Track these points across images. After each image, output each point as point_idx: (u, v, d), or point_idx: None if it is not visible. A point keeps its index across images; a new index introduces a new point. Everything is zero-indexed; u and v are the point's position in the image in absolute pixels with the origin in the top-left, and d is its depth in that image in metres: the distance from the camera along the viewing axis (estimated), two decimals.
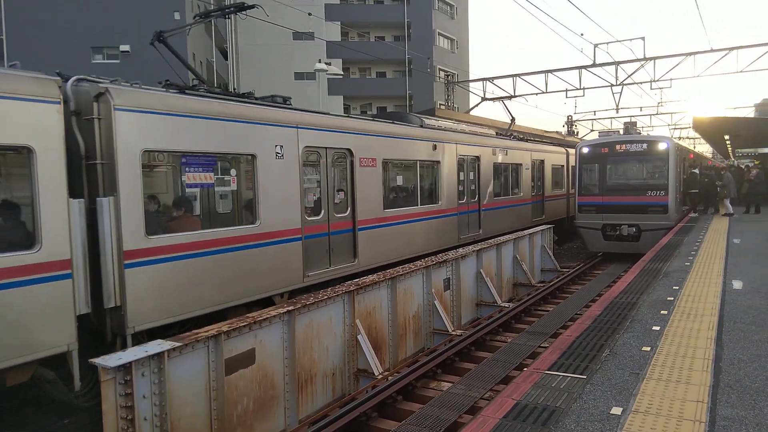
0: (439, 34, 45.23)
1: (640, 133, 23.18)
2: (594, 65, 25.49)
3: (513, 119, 24.68)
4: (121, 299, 6.24)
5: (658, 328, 5.20)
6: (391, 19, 44.24)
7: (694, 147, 44.78)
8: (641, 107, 34.78)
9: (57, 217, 5.71)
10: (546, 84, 27.02)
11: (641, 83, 25.97)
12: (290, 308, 6.70)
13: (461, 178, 14.51)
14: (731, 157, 49.67)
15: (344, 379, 7.68)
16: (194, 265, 7.18)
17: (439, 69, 43.27)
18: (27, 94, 5.50)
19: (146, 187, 6.64)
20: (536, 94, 27.40)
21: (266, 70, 39.01)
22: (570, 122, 48.39)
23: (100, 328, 6.35)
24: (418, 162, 12.75)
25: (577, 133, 46.76)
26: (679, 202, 16.93)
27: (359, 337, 7.73)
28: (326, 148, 9.63)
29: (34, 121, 5.53)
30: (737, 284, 6.98)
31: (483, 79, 29.88)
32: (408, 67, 43.07)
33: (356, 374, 7.76)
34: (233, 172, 8.20)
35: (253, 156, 8.13)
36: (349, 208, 10.27)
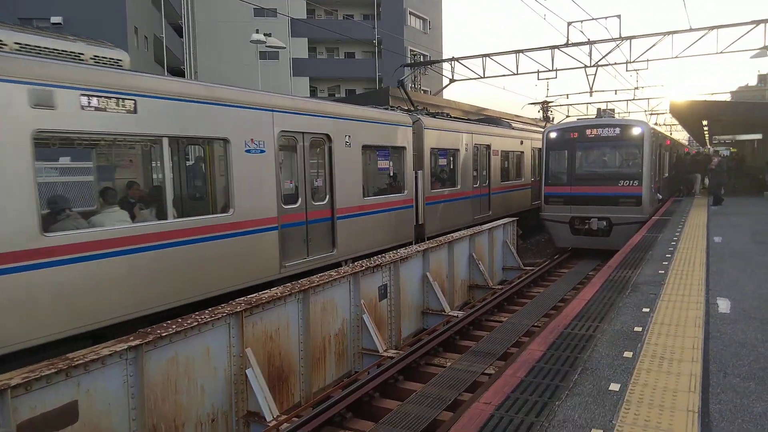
0: (411, 13, 43.27)
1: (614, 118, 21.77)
2: (567, 45, 23.90)
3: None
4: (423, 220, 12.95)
5: (617, 387, 3.61)
6: None
7: (671, 134, 43.73)
8: (616, 90, 33.40)
9: (410, 179, 12.61)
10: (517, 65, 25.40)
11: (616, 64, 24.49)
12: (137, 342, 5.00)
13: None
14: (708, 144, 48.88)
15: (229, 426, 6.02)
16: None
17: (411, 50, 41.42)
18: (406, 123, 12.53)
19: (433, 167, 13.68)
20: (507, 75, 25.78)
21: (226, 49, 36.73)
22: (545, 107, 46.99)
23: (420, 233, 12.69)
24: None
25: (553, 119, 45.38)
26: (654, 192, 15.51)
27: (248, 371, 6.06)
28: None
29: (406, 135, 12.41)
30: (723, 305, 5.50)
31: (451, 60, 28.12)
32: (378, 47, 41.11)
33: (246, 419, 6.10)
34: None
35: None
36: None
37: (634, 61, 23.48)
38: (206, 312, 5.91)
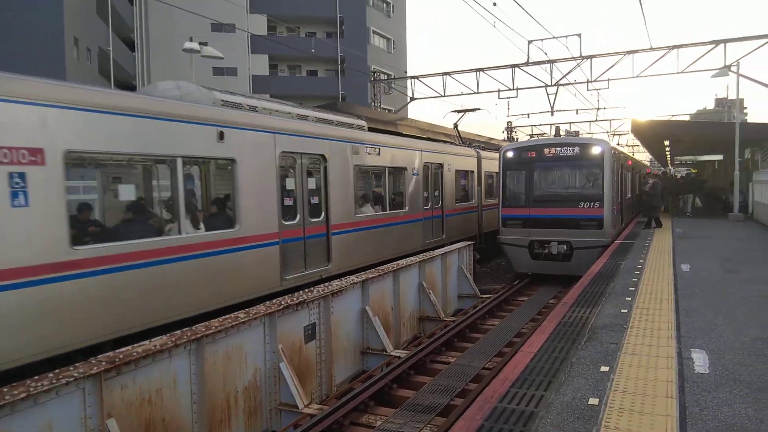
0: (374, 32, 42.64)
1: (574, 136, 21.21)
2: (528, 63, 23.40)
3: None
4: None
5: None
6: (322, 13, 41.33)
7: (633, 154, 43.86)
8: (577, 110, 33.16)
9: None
10: (477, 84, 24.78)
11: (577, 83, 24.08)
12: None
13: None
14: (669, 165, 49.32)
15: None
16: None
17: (374, 69, 40.67)
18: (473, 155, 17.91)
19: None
20: (467, 94, 25.10)
21: (181, 64, 35.26)
22: (510, 128, 46.78)
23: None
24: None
25: (517, 139, 45.11)
26: (616, 214, 14.70)
27: None
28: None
29: (474, 162, 17.82)
30: (700, 360, 4.44)
31: (411, 77, 27.36)
32: (341, 65, 40.27)
33: None
34: None
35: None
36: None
37: (594, 81, 23.07)
38: (49, 375, 4.57)
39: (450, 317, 11.50)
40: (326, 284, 8.46)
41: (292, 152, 9.46)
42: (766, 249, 11.42)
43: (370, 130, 12.94)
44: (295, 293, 7.92)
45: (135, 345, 5.38)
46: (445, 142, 18.27)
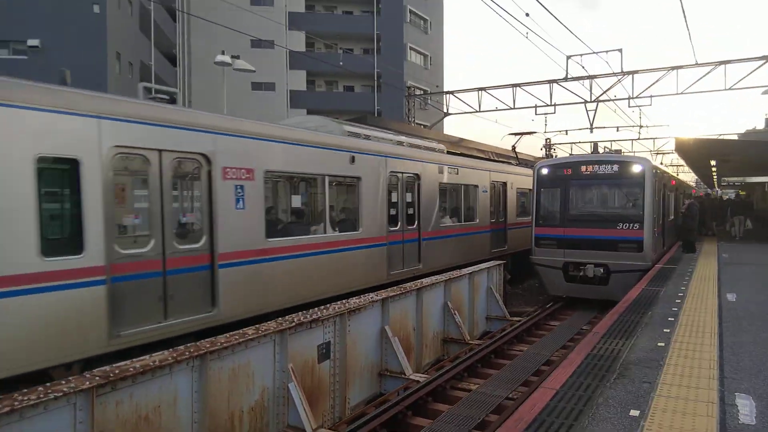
0: (411, 48, 42.64)
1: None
2: (566, 79, 22.78)
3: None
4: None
5: None
6: (360, 30, 41.61)
7: (678, 175, 42.24)
8: (618, 127, 32.11)
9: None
10: (514, 99, 24.25)
11: (618, 99, 23.29)
12: None
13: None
14: (716, 186, 47.34)
15: None
16: None
17: (411, 85, 40.61)
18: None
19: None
20: (503, 110, 24.61)
21: (220, 79, 36.02)
22: (548, 145, 45.80)
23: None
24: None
25: (556, 156, 44.06)
26: (657, 236, 13.92)
27: None
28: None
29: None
30: (746, 409, 3.85)
31: (446, 92, 27.03)
32: (377, 81, 40.33)
33: None
34: None
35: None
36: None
37: (636, 97, 22.26)
38: (39, 389, 4.36)
39: (476, 340, 10.99)
40: (343, 301, 8.13)
41: (397, 172, 11.68)
42: None
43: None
44: (310, 310, 7.62)
45: (134, 360, 5.15)
46: (504, 162, 19.67)
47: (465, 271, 12.13)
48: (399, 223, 11.72)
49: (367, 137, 11.29)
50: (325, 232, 9.69)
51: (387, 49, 40.91)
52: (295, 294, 8.83)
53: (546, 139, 44.92)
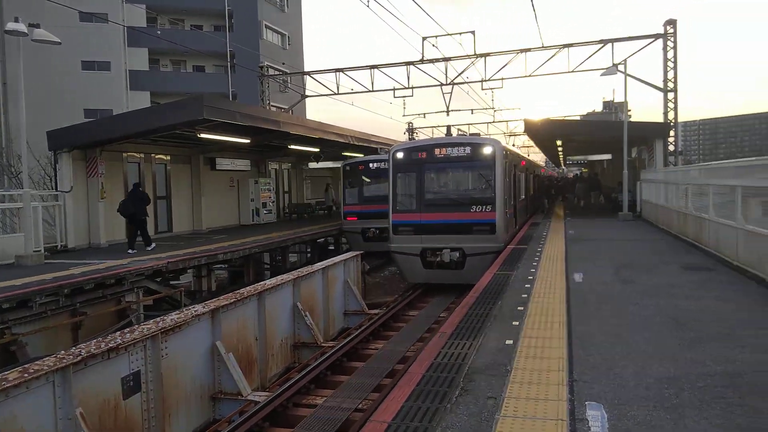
0: (267, 27, 40.44)
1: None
2: (422, 61, 22.57)
3: None
4: None
5: None
6: (209, 5, 38.58)
7: (529, 155, 44.89)
8: (472, 110, 33.10)
9: None
10: (372, 81, 23.63)
11: (472, 82, 23.63)
12: None
13: None
14: (563, 165, 51.14)
15: None
16: None
17: (268, 66, 38.54)
18: None
19: None
20: (361, 92, 23.88)
21: (45, 57, 31.25)
22: (411, 129, 46.36)
23: None
24: None
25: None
26: (510, 217, 13.98)
27: None
28: None
29: None
30: (597, 423, 3.29)
31: (301, 73, 25.76)
32: (230, 61, 37.71)
33: None
34: None
35: None
36: None
37: (489, 80, 22.69)
38: None
39: (330, 342, 10.08)
40: (156, 320, 6.71)
41: None
42: (657, 251, 11.05)
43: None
44: (109, 336, 6.13)
45: None
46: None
47: (317, 266, 11.16)
48: None
49: None
50: None
51: (240, 27, 38.39)
52: None
53: (408, 123, 45.57)
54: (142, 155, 17.25)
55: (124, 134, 14.50)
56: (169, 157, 18.36)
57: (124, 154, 16.57)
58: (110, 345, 5.74)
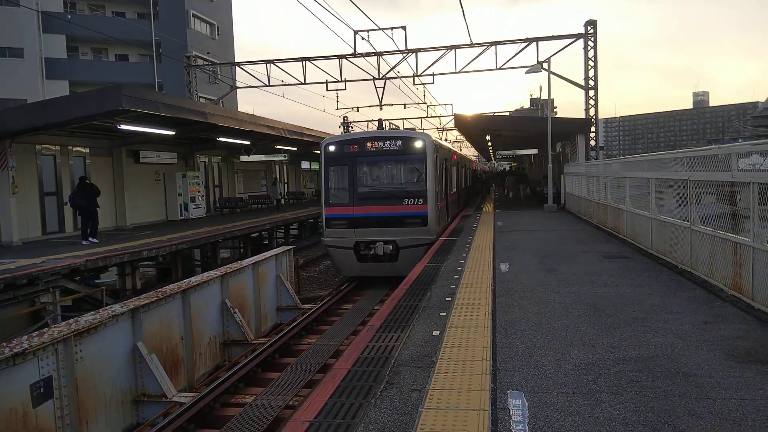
0: (195, 16, 39.04)
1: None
2: (354, 55, 22.52)
3: None
4: None
5: None
6: None
7: (461, 150, 45.86)
8: (405, 105, 33.39)
9: None
10: (304, 74, 23.33)
11: (404, 77, 23.81)
12: None
13: None
14: (493, 159, 52.51)
15: None
16: None
17: (196, 56, 37.21)
18: None
19: None
20: (293, 84, 23.53)
21: None
22: (346, 122, 46.21)
23: None
24: None
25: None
26: (441, 209, 14.23)
27: None
28: None
29: None
30: (518, 413, 3.33)
31: (231, 64, 25.05)
32: (156, 50, 36.16)
33: None
34: None
35: None
36: None
37: (420, 75, 22.95)
38: None
39: (261, 338, 9.90)
40: (69, 321, 6.34)
41: None
42: (579, 240, 11.57)
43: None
44: (15, 340, 5.73)
45: None
46: None
47: (247, 261, 10.92)
48: None
49: None
50: None
51: (166, 15, 36.84)
52: None
53: (344, 117, 45.37)
54: (58, 147, 16.24)
55: (36, 125, 13.57)
56: (88, 150, 17.39)
57: (38, 146, 15.55)
58: (15, 350, 5.37)
